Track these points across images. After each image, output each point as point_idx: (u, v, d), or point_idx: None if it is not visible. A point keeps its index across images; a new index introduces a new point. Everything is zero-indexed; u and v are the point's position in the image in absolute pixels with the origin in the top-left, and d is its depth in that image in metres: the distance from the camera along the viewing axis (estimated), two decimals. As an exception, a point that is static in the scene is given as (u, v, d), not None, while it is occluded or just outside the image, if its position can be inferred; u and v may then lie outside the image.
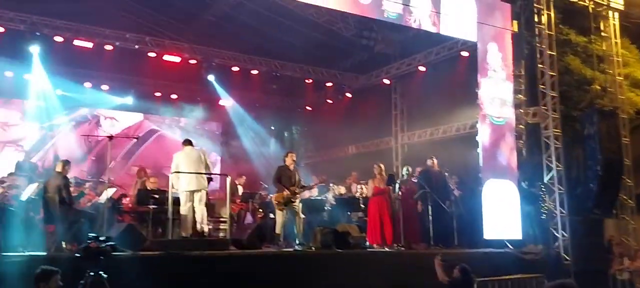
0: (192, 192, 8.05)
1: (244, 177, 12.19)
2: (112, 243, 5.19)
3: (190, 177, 7.99)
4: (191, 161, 8.12)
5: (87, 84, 13.96)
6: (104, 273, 4.89)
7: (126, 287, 5.81)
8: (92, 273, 4.70)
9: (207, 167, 8.33)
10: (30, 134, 14.01)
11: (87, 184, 9.27)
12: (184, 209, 8.03)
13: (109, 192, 8.06)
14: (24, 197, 7.48)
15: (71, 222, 6.96)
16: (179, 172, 8.01)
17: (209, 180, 8.44)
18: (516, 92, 10.60)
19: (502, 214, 9.52)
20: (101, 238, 5.04)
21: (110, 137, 7.84)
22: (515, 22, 10.76)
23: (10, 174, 8.93)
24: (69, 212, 7.09)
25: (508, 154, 9.85)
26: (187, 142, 8.50)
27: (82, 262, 5.08)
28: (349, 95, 15.97)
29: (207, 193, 8.43)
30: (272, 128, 17.72)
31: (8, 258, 5.92)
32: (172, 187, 7.90)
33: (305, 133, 18.15)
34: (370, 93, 15.50)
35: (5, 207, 7.12)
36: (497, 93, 9.87)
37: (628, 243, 11.21)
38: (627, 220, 11.44)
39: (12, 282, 5.35)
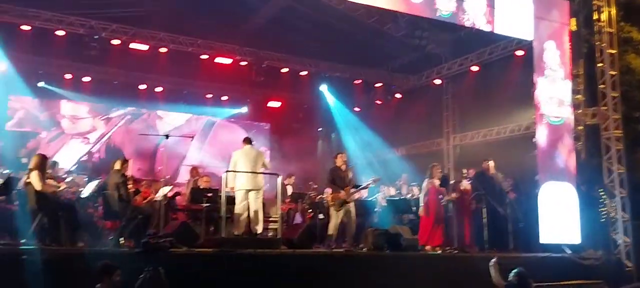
0: (248, 191, 8.10)
1: (294, 177, 12.25)
2: (171, 239, 5.31)
3: (246, 175, 8.05)
4: (249, 160, 8.17)
5: (142, 86, 14.45)
6: (162, 268, 4.99)
7: (181, 282, 5.93)
8: (151, 268, 4.81)
9: (264, 166, 8.39)
10: (96, 127, 14.70)
11: (144, 182, 9.53)
12: (238, 208, 8.10)
13: (164, 190, 8.27)
14: (84, 193, 7.79)
15: (129, 219, 7.18)
16: (230, 171, 8.11)
17: None
18: (575, 92, 10.21)
19: (559, 218, 9.18)
20: (159, 235, 5.16)
21: (167, 136, 8.04)
22: (573, 19, 10.37)
23: (72, 172, 9.35)
24: (127, 208, 7.31)
25: (566, 156, 9.48)
26: (247, 141, 8.57)
27: (141, 257, 5.22)
28: (398, 96, 15.81)
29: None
30: (320, 130, 17.78)
31: (70, 252, 6.17)
32: (226, 185, 8.01)
33: (354, 135, 18.05)
34: (420, 94, 15.31)
35: (70, 204, 7.43)
36: (554, 92, 9.52)
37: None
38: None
39: (75, 276, 5.55)
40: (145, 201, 8.63)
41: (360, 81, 15.59)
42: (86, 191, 7.76)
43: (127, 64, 13.30)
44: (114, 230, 7.88)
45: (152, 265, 4.89)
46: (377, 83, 15.75)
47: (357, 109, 17.50)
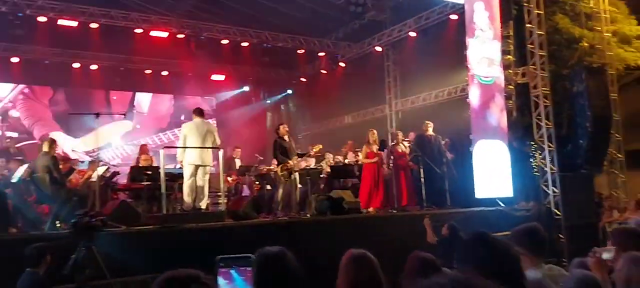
0: (197, 166, 7.95)
1: (240, 150, 12.23)
2: (102, 218, 5.26)
3: (196, 150, 7.82)
4: (200, 134, 7.89)
5: (76, 65, 13.93)
6: (95, 248, 4.96)
7: (122, 262, 5.90)
8: (83, 248, 4.77)
9: (214, 142, 8.10)
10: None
11: (77, 163, 9.30)
12: (186, 184, 7.94)
13: (100, 170, 8.11)
14: (14, 178, 7.54)
15: (63, 201, 7.03)
16: (167, 147, 8.02)
17: None
18: (505, 52, 10.58)
19: (493, 173, 9.62)
20: (91, 213, 5.11)
21: (97, 115, 7.83)
22: (502, -19, 10.68)
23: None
24: (61, 190, 7.15)
25: (498, 115, 9.89)
26: (198, 112, 8.19)
27: (73, 238, 5.16)
28: (342, 64, 15.93)
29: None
30: (268, 102, 17.75)
31: (2, 238, 6.01)
32: (177, 160, 7.81)
33: (302, 105, 18.15)
34: (363, 61, 15.46)
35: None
36: (484, 52, 9.85)
37: (617, 196, 11.37)
38: (617, 174, 11.58)
39: (6, 262, 5.43)
40: (82, 182, 8.45)
41: (303, 51, 15.58)
42: (15, 176, 7.50)
43: (58, 42, 12.76)
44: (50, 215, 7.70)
45: (85, 244, 4.84)
46: (320, 52, 15.78)
47: (303, 79, 17.58)
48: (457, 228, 6.16)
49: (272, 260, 2.21)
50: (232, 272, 1.56)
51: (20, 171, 7.55)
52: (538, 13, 10.59)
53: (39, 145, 7.51)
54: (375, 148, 9.47)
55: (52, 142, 7.38)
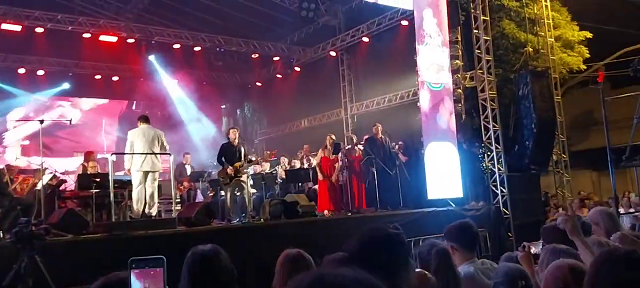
0: (146, 173, 7.83)
1: (190, 155, 12.09)
2: (46, 226, 5.10)
3: (143, 157, 7.70)
4: (147, 140, 7.79)
5: (21, 71, 13.45)
6: (39, 257, 4.80)
7: (69, 271, 5.73)
8: (25, 257, 4.62)
9: (163, 147, 8.01)
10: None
11: (21, 171, 8.98)
12: (136, 191, 7.80)
13: (46, 178, 7.86)
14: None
15: (7, 210, 6.77)
16: (116, 153, 7.85)
17: None
18: (453, 57, 10.87)
19: (444, 175, 9.85)
20: (34, 222, 4.95)
21: (41, 121, 7.58)
22: (449, -12, 10.99)
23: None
24: (3, 200, 6.89)
25: (447, 118, 10.14)
26: (144, 119, 8.11)
27: (17, 248, 4.98)
28: (298, 69, 15.99)
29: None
30: (223, 107, 17.60)
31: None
32: (125, 168, 7.69)
33: (258, 109, 18.09)
34: (318, 66, 15.58)
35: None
36: (433, 59, 10.10)
37: (563, 195, 11.87)
38: (562, 174, 12.08)
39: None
40: (26, 191, 8.16)
41: (257, 55, 15.55)
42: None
43: (1, 47, 12.29)
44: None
45: (28, 254, 4.68)
46: (275, 57, 15.79)
47: (258, 83, 17.54)
48: (399, 229, 6.27)
49: (203, 259, 2.21)
50: (145, 273, 1.57)
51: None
52: (484, 19, 10.96)
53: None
54: (330, 151, 9.54)
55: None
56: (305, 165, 11.66)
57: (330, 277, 0.99)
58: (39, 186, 7.96)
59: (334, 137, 10.04)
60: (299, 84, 16.03)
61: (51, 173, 8.63)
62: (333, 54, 14.95)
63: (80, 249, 6.44)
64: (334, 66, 15.30)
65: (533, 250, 2.94)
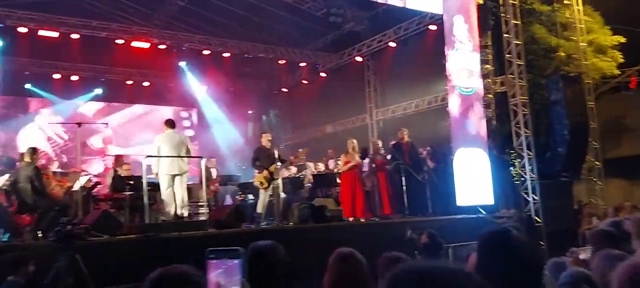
0: (173, 176, 7.98)
1: (215, 159, 12.24)
2: (86, 226, 5.22)
3: (170, 160, 7.91)
4: (173, 144, 8.00)
5: (56, 76, 13.82)
6: (78, 256, 4.91)
7: (103, 271, 5.85)
8: (66, 257, 4.73)
9: (188, 152, 8.21)
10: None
11: (58, 173, 9.20)
12: (165, 194, 7.98)
13: (82, 180, 8.03)
14: (-4, 187, 7.43)
15: (45, 211, 6.94)
16: (150, 156, 7.99)
17: None
18: (484, 62, 10.78)
19: (474, 181, 9.73)
20: (74, 222, 5.07)
21: (79, 124, 7.77)
22: (479, -8, 10.91)
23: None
24: (42, 201, 7.06)
25: (477, 123, 10.04)
26: (169, 124, 8.32)
27: (56, 247, 5.10)
28: (323, 74, 16.04)
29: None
30: (250, 112, 17.75)
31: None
32: (152, 172, 7.87)
33: (283, 115, 18.19)
34: (344, 71, 15.61)
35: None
36: (464, 64, 10.02)
37: (596, 203, 11.60)
38: (595, 182, 11.82)
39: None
40: (62, 192, 8.35)
41: (284, 61, 15.67)
42: (-3, 185, 7.41)
43: (38, 53, 12.66)
44: (31, 225, 7.58)
45: (67, 253, 4.79)
46: (301, 63, 15.88)
47: (284, 90, 17.66)
48: (436, 235, 6.23)
49: (263, 253, 2.25)
50: (221, 263, 1.59)
51: (1, 180, 7.44)
52: (515, 23, 10.84)
53: (20, 154, 7.38)
54: (356, 157, 9.52)
55: (34, 152, 7.27)
56: (332, 170, 11.68)
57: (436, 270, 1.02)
58: (75, 188, 8.14)
59: (355, 141, 10.01)
60: (324, 89, 16.08)
61: (87, 175, 8.80)
62: (359, 59, 14.97)
63: (115, 250, 6.57)
64: (359, 72, 15.32)
65: (581, 256, 2.90)
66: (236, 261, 1.57)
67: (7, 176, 7.59)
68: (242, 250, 1.60)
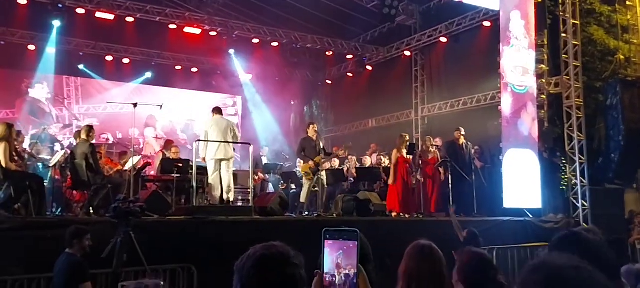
0: (220, 161, 8.15)
1: (267, 149, 12.35)
2: (141, 204, 5.35)
3: (217, 145, 8.09)
4: (220, 130, 8.19)
5: (109, 58, 14.19)
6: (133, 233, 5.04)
7: (154, 249, 5.99)
8: (123, 232, 4.86)
9: (235, 137, 8.42)
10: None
11: (111, 152, 9.46)
12: (211, 178, 8.17)
13: (134, 160, 8.24)
14: (52, 163, 7.69)
15: (98, 188, 7.15)
16: (200, 141, 8.14)
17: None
18: (539, 61, 10.45)
19: (522, 183, 9.50)
20: (131, 200, 5.20)
21: (135, 105, 7.97)
22: (538, -10, 10.59)
23: (32, 144, 9.17)
24: (96, 178, 7.27)
25: (529, 124, 9.78)
26: (217, 111, 8.56)
27: (112, 223, 5.25)
28: (369, 68, 15.91)
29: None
30: (293, 102, 17.80)
31: (39, 221, 6.15)
32: (200, 156, 8.04)
33: (326, 107, 18.16)
34: (391, 65, 15.42)
35: (35, 175, 7.34)
36: (519, 61, 9.76)
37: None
38: (648, 191, 11.34)
39: (45, 243, 5.56)
40: (114, 171, 8.59)
41: (331, 53, 15.62)
42: (53, 160, 7.66)
43: (93, 35, 13.02)
44: (82, 201, 7.85)
45: (123, 229, 4.92)
46: (348, 55, 15.80)
47: (328, 82, 17.62)
48: (476, 235, 6.13)
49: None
50: (342, 245, 1.57)
51: (58, 156, 7.71)
52: (574, 23, 10.48)
53: (77, 132, 7.62)
54: (405, 152, 9.43)
55: (90, 129, 7.50)
56: (375, 164, 11.62)
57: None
58: (127, 167, 8.37)
59: (407, 136, 9.92)
60: (370, 83, 15.93)
61: (139, 155, 9.03)
62: (407, 53, 14.76)
63: (165, 229, 6.73)
64: (406, 66, 15.11)
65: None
66: (355, 242, 1.54)
67: (62, 152, 7.85)
68: (359, 233, 1.57)
